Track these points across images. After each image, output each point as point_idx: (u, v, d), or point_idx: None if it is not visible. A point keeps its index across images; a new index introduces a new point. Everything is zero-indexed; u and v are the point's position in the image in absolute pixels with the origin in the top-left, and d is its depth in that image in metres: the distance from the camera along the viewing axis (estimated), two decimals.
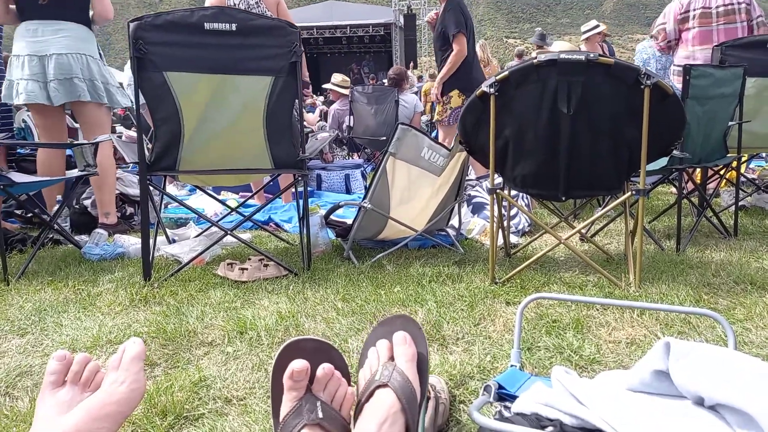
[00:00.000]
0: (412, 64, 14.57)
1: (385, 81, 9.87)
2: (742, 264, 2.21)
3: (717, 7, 3.38)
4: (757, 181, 3.94)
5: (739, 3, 3.39)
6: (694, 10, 3.46)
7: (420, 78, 12.00)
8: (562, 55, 1.89)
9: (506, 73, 1.98)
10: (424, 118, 7.52)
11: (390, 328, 0.98)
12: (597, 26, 6.11)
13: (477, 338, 1.54)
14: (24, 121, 5.34)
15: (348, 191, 4.62)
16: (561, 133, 2.01)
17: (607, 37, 6.59)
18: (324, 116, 7.83)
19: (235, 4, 3.24)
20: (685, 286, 1.95)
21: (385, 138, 5.58)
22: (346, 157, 6.20)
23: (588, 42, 6.02)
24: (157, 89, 2.05)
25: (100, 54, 2.91)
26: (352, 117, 5.86)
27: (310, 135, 2.68)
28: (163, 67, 2.04)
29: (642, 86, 1.85)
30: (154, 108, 2.08)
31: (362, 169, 4.98)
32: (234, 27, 2.07)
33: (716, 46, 3.03)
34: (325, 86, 7.16)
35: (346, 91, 6.06)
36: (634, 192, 2.00)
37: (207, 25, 2.05)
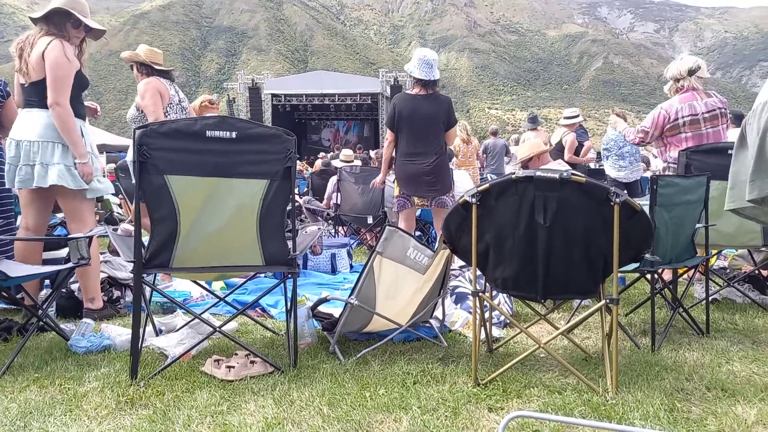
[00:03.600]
0: None
1: (372, 153, 10.18)
2: (714, 367, 2.30)
3: (703, 113, 3.70)
4: (727, 270, 4.11)
5: (719, 108, 3.73)
6: (683, 118, 3.72)
7: None
8: (538, 173, 2.05)
9: (487, 185, 2.13)
10: None
11: None
12: (577, 116, 6.68)
13: None
14: None
15: (333, 271, 4.69)
16: (538, 241, 2.14)
17: (582, 121, 7.04)
18: (312, 185, 8.07)
19: (180, 100, 3.91)
20: (660, 392, 2.03)
21: (371, 216, 5.75)
22: (332, 231, 6.34)
23: (568, 127, 6.59)
24: (156, 191, 2.15)
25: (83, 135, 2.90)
26: (339, 194, 6.02)
27: (300, 229, 2.78)
28: (164, 170, 2.15)
29: (612, 203, 2.01)
30: (153, 208, 2.17)
31: (348, 247, 5.08)
32: (234, 134, 2.20)
33: (681, 150, 3.27)
34: (335, 164, 7.53)
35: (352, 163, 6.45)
36: (607, 300, 2.11)
37: (209, 133, 2.18)
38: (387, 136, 4.19)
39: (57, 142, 2.82)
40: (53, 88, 2.74)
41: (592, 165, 7.34)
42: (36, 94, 2.82)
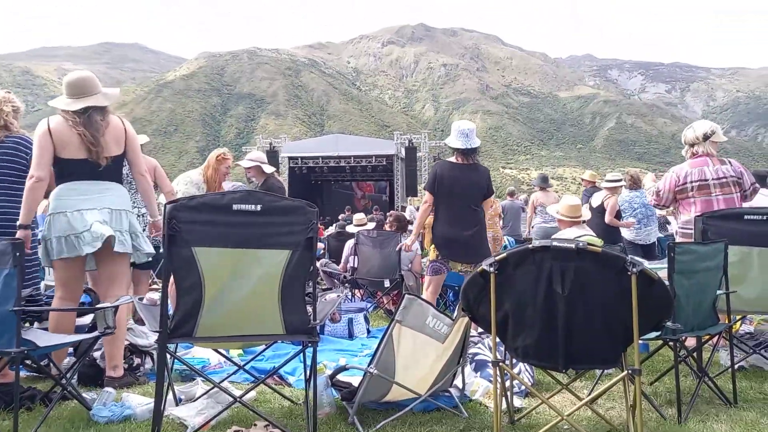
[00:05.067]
0: (409, 199, 15.34)
1: (389, 215, 10.31)
2: None
3: (713, 179, 3.72)
4: (755, 335, 4.01)
5: (731, 176, 3.74)
6: (692, 182, 3.76)
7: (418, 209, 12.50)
8: (555, 243, 2.10)
9: (505, 254, 2.17)
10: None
11: None
12: (620, 180, 6.64)
13: None
14: None
15: (350, 336, 4.66)
16: (557, 311, 2.15)
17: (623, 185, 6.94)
18: (329, 248, 8.15)
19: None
20: None
21: (387, 280, 5.77)
22: (349, 295, 6.34)
23: (611, 190, 6.43)
24: (183, 262, 2.22)
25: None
26: (356, 258, 6.08)
27: (319, 295, 2.83)
28: (192, 242, 2.23)
29: (629, 273, 2.03)
30: (180, 278, 2.24)
31: (365, 312, 5.07)
32: (259, 207, 2.29)
33: (698, 216, 3.29)
34: (349, 229, 7.68)
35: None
36: (629, 371, 2.09)
37: (235, 206, 2.28)
38: (426, 199, 4.21)
39: (128, 210, 2.97)
40: (139, 160, 3.00)
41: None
42: (104, 169, 2.88)
